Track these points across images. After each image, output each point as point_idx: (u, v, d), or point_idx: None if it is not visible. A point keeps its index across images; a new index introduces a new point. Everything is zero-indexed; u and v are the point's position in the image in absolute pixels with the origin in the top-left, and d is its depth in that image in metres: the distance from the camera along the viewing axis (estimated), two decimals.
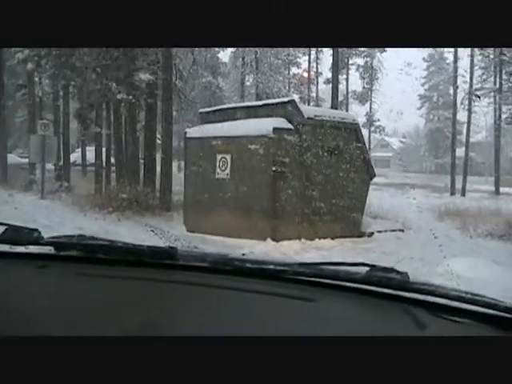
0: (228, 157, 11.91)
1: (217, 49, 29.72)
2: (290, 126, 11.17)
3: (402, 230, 12.84)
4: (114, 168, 19.30)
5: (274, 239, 10.67)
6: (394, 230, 12.63)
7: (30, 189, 19.09)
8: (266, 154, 11.15)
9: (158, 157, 17.01)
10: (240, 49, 32.96)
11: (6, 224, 1.85)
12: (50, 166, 20.73)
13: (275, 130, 11.05)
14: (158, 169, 16.81)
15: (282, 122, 11.24)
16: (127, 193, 14.82)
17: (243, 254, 1.90)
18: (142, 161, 17.94)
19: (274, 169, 11.01)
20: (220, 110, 13.82)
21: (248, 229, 10.97)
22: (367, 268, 1.63)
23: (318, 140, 11.50)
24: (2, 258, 1.83)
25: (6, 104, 25.84)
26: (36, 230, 1.88)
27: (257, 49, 33.09)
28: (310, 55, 41.64)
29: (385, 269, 1.63)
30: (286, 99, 13.34)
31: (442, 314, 1.48)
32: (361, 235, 11.99)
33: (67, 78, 19.52)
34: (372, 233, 12.27)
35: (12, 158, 26.05)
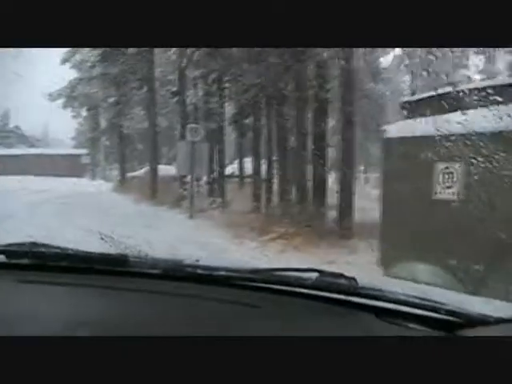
0: (456, 166, 7.51)
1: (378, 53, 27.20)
2: None
3: None
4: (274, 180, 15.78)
5: None
6: None
7: (179, 205, 16.79)
8: None
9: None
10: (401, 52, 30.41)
11: None
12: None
13: None
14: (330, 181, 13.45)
15: None
16: (295, 214, 11.54)
17: (197, 260, 1.87)
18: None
19: None
20: (440, 95, 8.37)
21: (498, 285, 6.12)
22: (317, 274, 1.63)
23: None
24: None
25: (160, 112, 24.83)
26: None
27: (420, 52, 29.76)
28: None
29: (333, 274, 1.64)
30: None
31: (389, 319, 1.50)
32: None
33: (220, 69, 16.49)
34: None
35: (167, 169, 23.98)
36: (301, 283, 1.64)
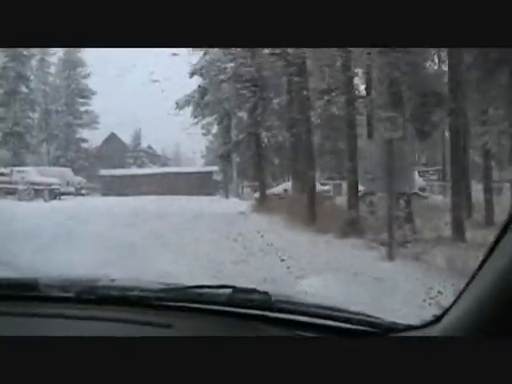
0: None
1: None
2: None
3: None
4: None
5: None
6: None
7: (359, 235, 11.91)
8: None
9: None
10: None
11: None
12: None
13: None
14: None
15: None
16: None
17: (112, 280, 1.85)
18: None
19: None
20: None
21: None
22: (230, 290, 1.64)
23: None
24: None
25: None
26: None
27: None
28: None
29: (247, 290, 1.65)
30: None
31: (301, 331, 1.53)
32: None
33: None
34: None
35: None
36: (214, 300, 1.66)
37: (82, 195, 37.02)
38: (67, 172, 37.17)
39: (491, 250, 1.18)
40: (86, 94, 50.43)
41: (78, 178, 39.85)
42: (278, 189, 30.54)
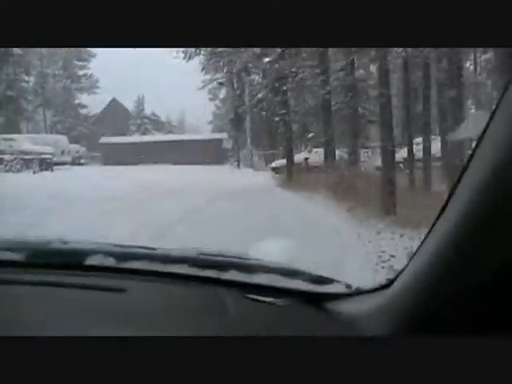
0: None
1: None
2: None
3: None
4: None
5: None
6: None
7: None
8: None
9: None
10: None
11: None
12: None
13: None
14: None
15: None
16: None
17: (64, 243, 1.76)
18: None
19: None
20: None
21: None
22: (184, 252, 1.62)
23: None
24: None
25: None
26: None
27: None
28: None
29: (207, 253, 1.64)
30: None
31: (254, 295, 1.49)
32: None
33: None
34: None
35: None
36: (167, 261, 1.61)
37: (81, 165, 34.27)
38: (62, 139, 34.47)
39: (442, 210, 1.15)
40: (84, 56, 48.52)
41: (76, 146, 37.36)
42: (297, 157, 27.64)
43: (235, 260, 1.66)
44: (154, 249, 1.75)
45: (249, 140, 34.81)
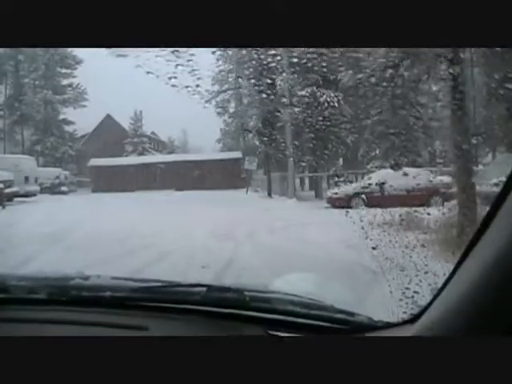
0: None
1: None
2: None
3: None
4: None
5: None
6: None
7: None
8: None
9: None
10: None
11: None
12: None
13: None
14: None
15: None
16: None
17: (85, 278, 1.77)
18: None
19: None
20: None
21: None
22: (204, 288, 1.63)
23: None
24: None
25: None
26: None
27: None
28: None
29: (221, 288, 1.66)
30: None
31: (275, 330, 1.51)
32: None
33: None
34: None
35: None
36: (188, 299, 1.63)
37: (61, 193, 27.53)
38: (26, 162, 25.03)
39: (469, 247, 1.16)
40: (69, 62, 40.37)
41: (55, 171, 30.78)
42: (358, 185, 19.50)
43: (256, 294, 1.66)
44: (176, 283, 1.75)
45: (291, 160, 24.60)
